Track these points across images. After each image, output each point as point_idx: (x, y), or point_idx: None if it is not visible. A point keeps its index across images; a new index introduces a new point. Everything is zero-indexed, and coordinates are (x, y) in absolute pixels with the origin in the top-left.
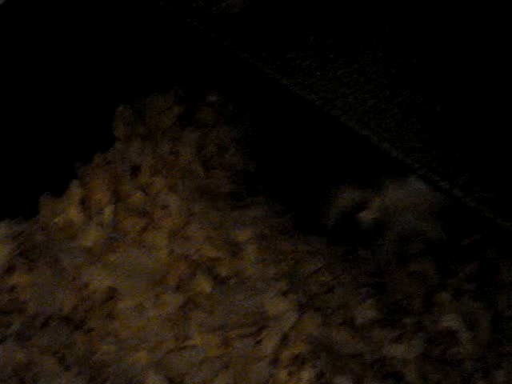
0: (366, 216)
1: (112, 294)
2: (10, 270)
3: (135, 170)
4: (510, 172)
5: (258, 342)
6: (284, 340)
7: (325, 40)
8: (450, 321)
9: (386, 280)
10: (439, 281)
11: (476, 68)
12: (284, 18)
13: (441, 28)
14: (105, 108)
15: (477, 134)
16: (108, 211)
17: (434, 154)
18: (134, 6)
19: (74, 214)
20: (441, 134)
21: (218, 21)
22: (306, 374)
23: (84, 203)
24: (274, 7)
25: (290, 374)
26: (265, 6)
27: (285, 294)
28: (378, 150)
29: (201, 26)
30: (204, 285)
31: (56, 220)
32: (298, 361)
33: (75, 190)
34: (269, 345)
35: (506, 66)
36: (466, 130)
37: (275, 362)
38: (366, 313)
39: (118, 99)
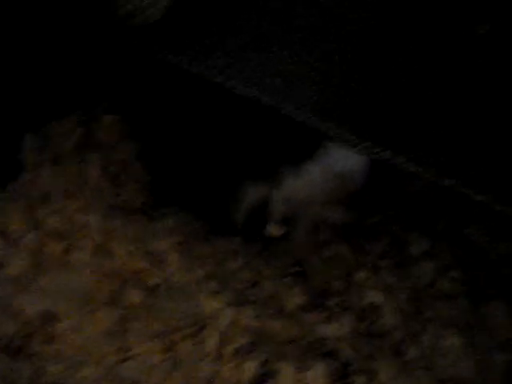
0: (272, 210)
1: (49, 317)
2: None
3: (48, 195)
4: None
5: (200, 342)
6: (224, 336)
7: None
8: (371, 296)
9: (306, 268)
10: (355, 261)
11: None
12: (202, 21)
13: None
14: (12, 139)
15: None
16: (28, 238)
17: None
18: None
19: None
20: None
21: (141, 29)
22: (250, 365)
23: (3, 233)
24: (191, 13)
25: (234, 367)
26: (182, 12)
27: (215, 293)
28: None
29: (124, 36)
30: (135, 296)
31: None
32: (240, 354)
33: None
34: (210, 343)
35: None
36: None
37: (219, 358)
38: (293, 300)
39: (23, 129)
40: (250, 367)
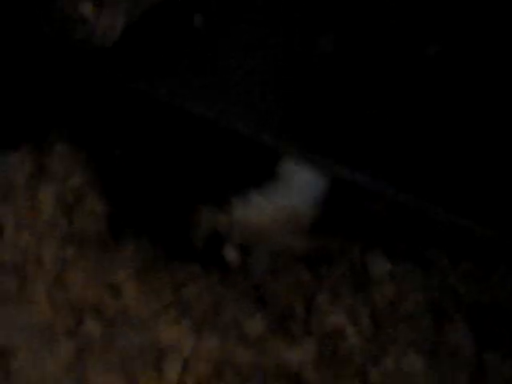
0: (228, 237)
1: (5, 353)
2: None
3: (0, 229)
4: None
5: (161, 371)
6: (186, 364)
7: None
8: (334, 320)
9: (266, 294)
10: (315, 286)
11: None
12: (155, 44)
13: None
14: None
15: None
16: None
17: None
18: None
19: None
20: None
21: (99, 51)
22: None
23: None
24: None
25: None
26: (137, 36)
27: (175, 321)
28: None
29: (81, 58)
30: (93, 328)
31: None
32: (203, 381)
33: None
34: (172, 372)
35: None
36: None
37: None
38: (256, 326)
39: None
40: None
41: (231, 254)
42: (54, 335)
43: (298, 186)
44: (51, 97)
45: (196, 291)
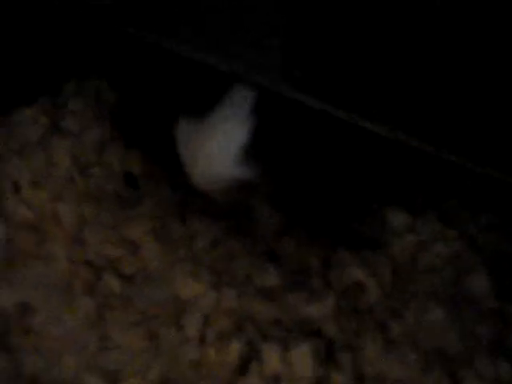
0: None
1: (24, 310)
2: None
3: (16, 185)
4: None
5: (181, 327)
6: (206, 320)
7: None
8: (353, 274)
9: (279, 248)
10: (333, 240)
11: None
12: None
13: None
14: None
15: None
16: None
17: None
18: None
19: None
20: None
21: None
22: (234, 347)
23: None
24: None
25: (218, 350)
26: None
27: (194, 276)
28: None
29: (88, 14)
30: (112, 285)
31: None
32: (224, 336)
33: None
34: (192, 327)
35: None
36: None
37: (202, 342)
38: (273, 279)
39: None
40: (235, 349)
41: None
42: (73, 292)
43: None
44: (60, 51)
45: (208, 244)
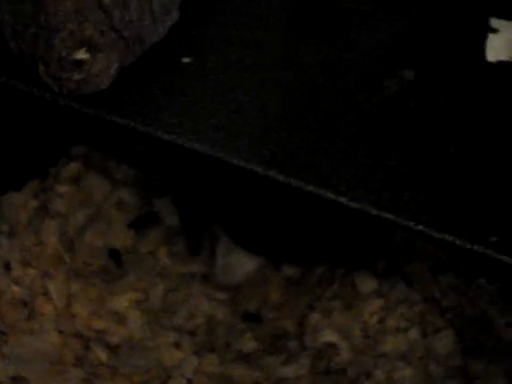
0: None
1: (17, 382)
2: None
3: (6, 265)
4: None
5: None
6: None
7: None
8: (326, 336)
9: (258, 314)
10: (307, 306)
11: None
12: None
13: None
14: None
15: None
16: None
17: None
18: None
19: None
20: None
21: (90, 98)
22: None
23: None
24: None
25: None
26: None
27: (176, 344)
28: None
29: (75, 105)
30: (100, 356)
31: None
32: None
33: None
34: None
35: None
36: None
37: None
38: (251, 345)
39: None
40: None
41: None
42: (63, 364)
43: None
44: (49, 138)
45: (189, 313)
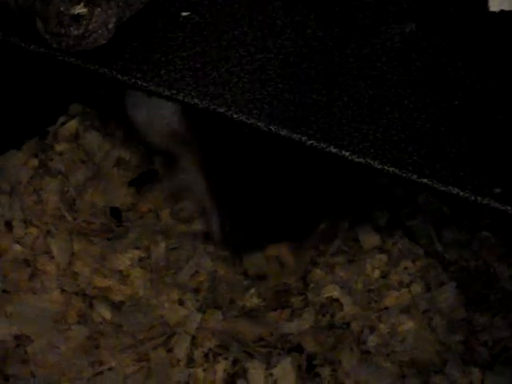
0: None
1: (20, 341)
2: None
3: (8, 224)
4: None
5: (171, 349)
6: (193, 341)
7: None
8: (329, 292)
9: (261, 270)
10: (310, 261)
11: None
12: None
13: None
14: None
15: None
16: None
17: None
18: None
19: None
20: None
21: (89, 54)
22: (221, 367)
23: None
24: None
25: (206, 369)
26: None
27: (180, 301)
28: None
29: (73, 61)
30: (103, 313)
31: None
32: (211, 356)
33: None
34: (181, 349)
35: None
36: None
37: (190, 362)
38: (255, 301)
39: None
40: (221, 368)
41: None
42: (66, 321)
43: None
44: (47, 96)
45: (193, 270)
